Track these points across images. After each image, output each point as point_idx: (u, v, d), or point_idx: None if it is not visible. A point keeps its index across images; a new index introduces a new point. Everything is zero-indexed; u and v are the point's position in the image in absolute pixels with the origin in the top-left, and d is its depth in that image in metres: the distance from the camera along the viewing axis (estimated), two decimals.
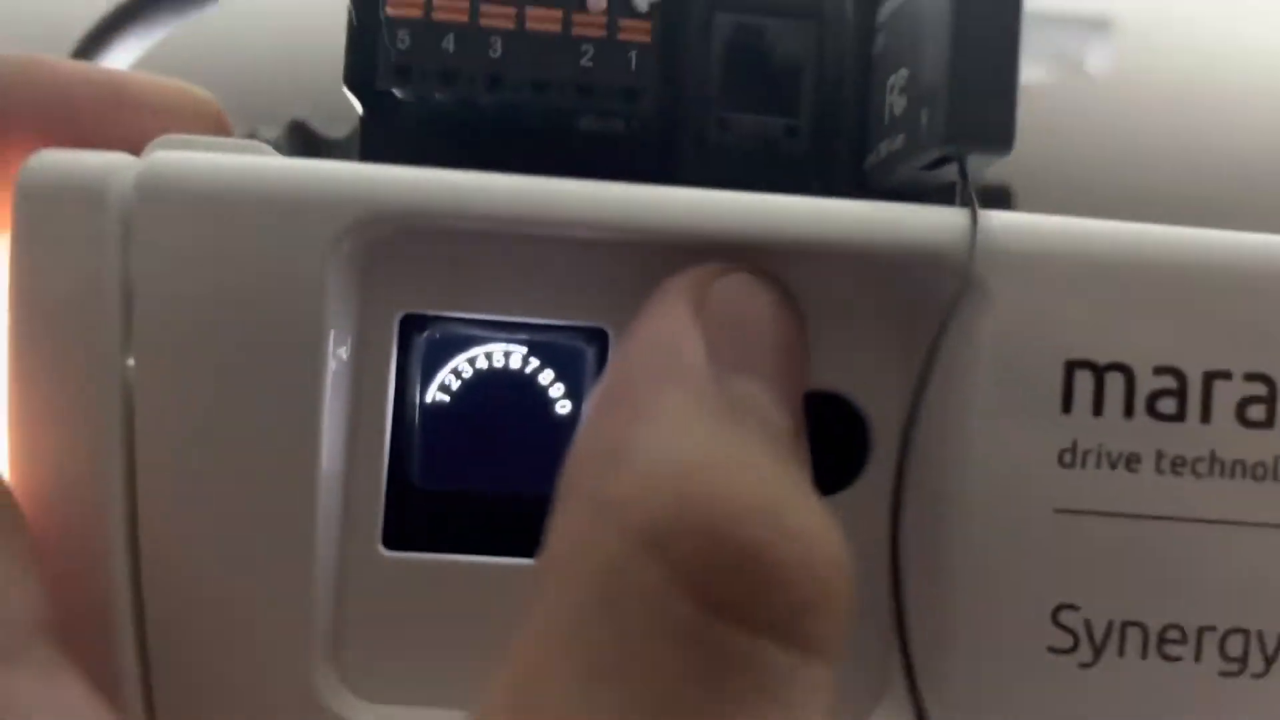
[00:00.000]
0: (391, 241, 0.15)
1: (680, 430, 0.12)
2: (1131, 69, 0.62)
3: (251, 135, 0.27)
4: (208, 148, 0.15)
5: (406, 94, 0.18)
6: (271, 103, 0.29)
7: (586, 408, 0.13)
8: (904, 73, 0.17)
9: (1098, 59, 0.62)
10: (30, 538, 0.13)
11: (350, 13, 0.18)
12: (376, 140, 0.19)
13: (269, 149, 0.15)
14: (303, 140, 0.28)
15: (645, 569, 0.11)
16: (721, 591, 0.11)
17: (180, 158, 0.14)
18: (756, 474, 0.12)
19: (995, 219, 0.15)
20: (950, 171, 0.16)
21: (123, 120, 0.16)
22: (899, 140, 0.17)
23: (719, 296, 0.14)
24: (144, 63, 0.25)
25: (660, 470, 0.12)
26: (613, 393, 0.13)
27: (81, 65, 0.17)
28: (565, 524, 0.12)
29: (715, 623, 0.11)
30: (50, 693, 0.11)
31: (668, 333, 0.14)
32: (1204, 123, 0.67)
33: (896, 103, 0.17)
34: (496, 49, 0.17)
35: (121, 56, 0.24)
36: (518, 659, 0.12)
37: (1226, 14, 0.60)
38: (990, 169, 0.16)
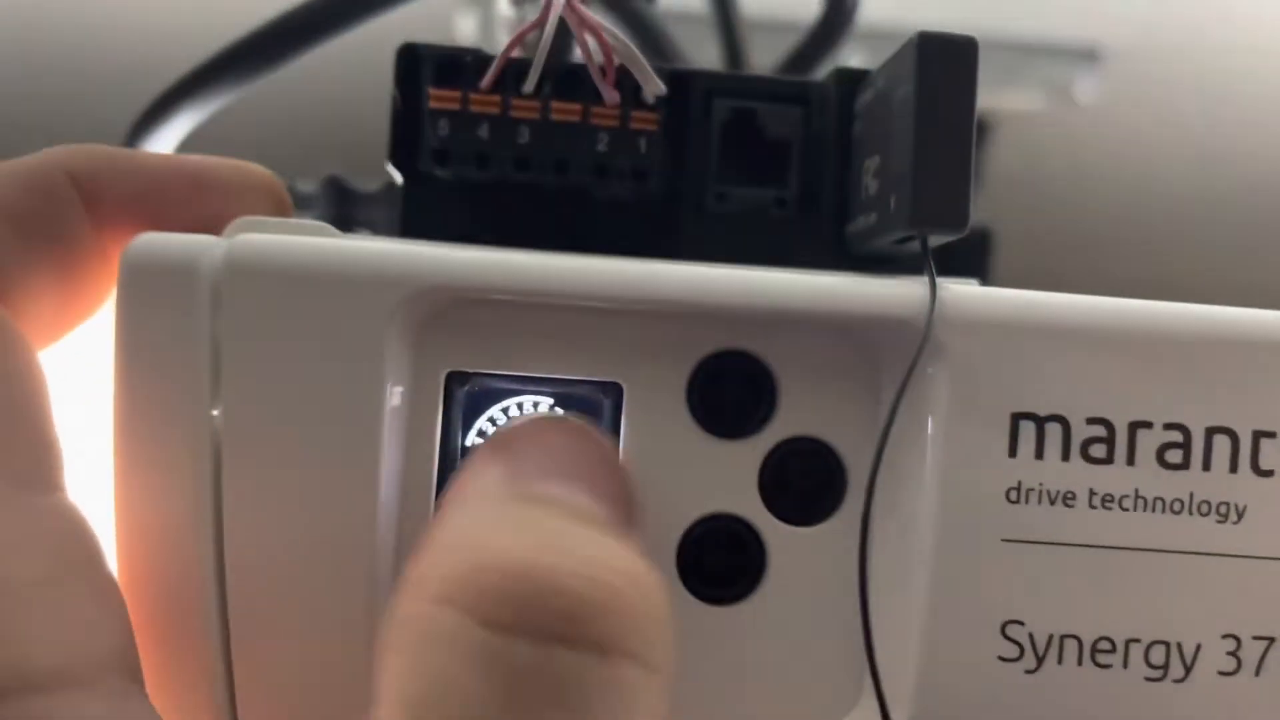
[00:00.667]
0: (439, 310, 0.17)
1: (475, 521, 0.14)
2: (1119, 98, 0.64)
3: (291, 189, 0.30)
4: (280, 229, 0.17)
5: (444, 173, 0.20)
6: (306, 158, 0.31)
7: None
8: (877, 158, 0.19)
9: (1085, 88, 0.64)
10: (108, 570, 0.15)
11: (394, 100, 0.21)
12: (417, 211, 0.21)
13: (332, 230, 0.18)
14: (338, 193, 0.30)
15: (445, 617, 0.12)
16: (505, 613, 0.12)
17: (261, 240, 0.17)
18: (543, 529, 0.13)
19: (951, 291, 0.17)
20: (916, 246, 0.18)
21: (201, 201, 0.19)
22: (873, 217, 0.19)
23: (514, 434, 0.16)
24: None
25: (451, 545, 0.13)
26: (429, 530, 0.14)
27: (165, 156, 0.20)
28: (390, 618, 0.13)
29: (503, 640, 0.12)
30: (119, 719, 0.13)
31: (471, 470, 0.15)
32: (1190, 151, 0.69)
33: (870, 184, 0.19)
34: (525, 136, 0.20)
35: (176, 131, 0.27)
36: None
37: (1213, 44, 0.62)
38: (977, 195, 0.18)
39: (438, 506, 0.16)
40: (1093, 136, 0.69)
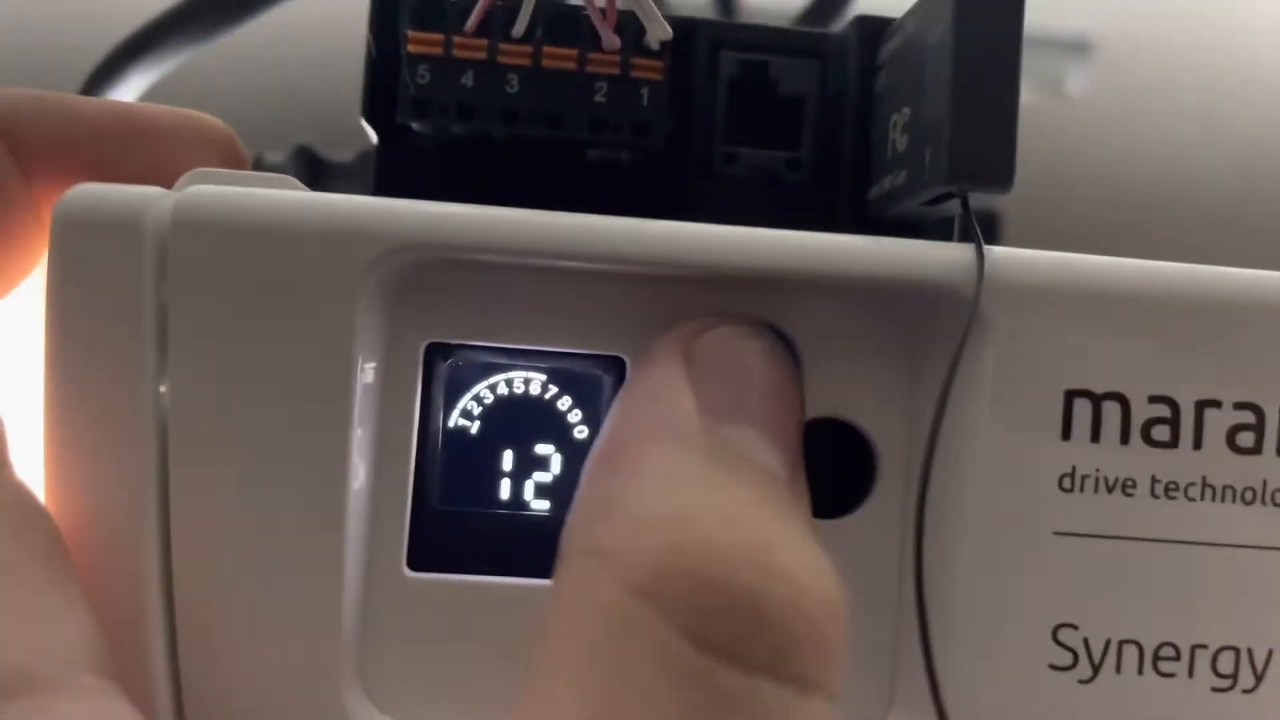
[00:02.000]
0: (417, 273, 0.15)
1: (670, 482, 0.13)
2: (1110, 91, 0.63)
3: (258, 159, 0.28)
4: (237, 182, 0.15)
5: (424, 127, 0.18)
6: (276, 128, 0.29)
7: (585, 465, 0.14)
8: (906, 111, 0.17)
9: (1077, 81, 0.63)
10: (73, 565, 0.13)
11: (369, 47, 0.19)
12: (392, 171, 0.19)
13: (297, 184, 0.16)
14: (308, 164, 0.28)
15: (642, 615, 0.12)
16: (715, 633, 0.11)
17: (214, 191, 0.15)
18: (744, 520, 0.12)
19: (998, 254, 0.15)
20: (949, 205, 0.16)
21: (145, 152, 0.17)
22: (901, 176, 0.17)
23: (707, 349, 0.15)
24: (151, 90, 0.26)
25: (651, 521, 0.12)
26: (607, 451, 0.14)
27: (103, 101, 0.18)
28: (566, 577, 0.13)
29: (711, 663, 0.11)
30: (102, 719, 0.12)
31: (657, 388, 0.14)
32: (1182, 144, 0.68)
33: (899, 140, 0.17)
34: (514, 85, 0.18)
35: (133, 86, 0.24)
36: (527, 702, 0.12)
37: (1203, 37, 0.61)
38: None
39: (619, 404, 0.14)
40: (1084, 130, 0.68)
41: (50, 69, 0.24)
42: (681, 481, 0.13)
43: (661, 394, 0.14)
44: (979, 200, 0.17)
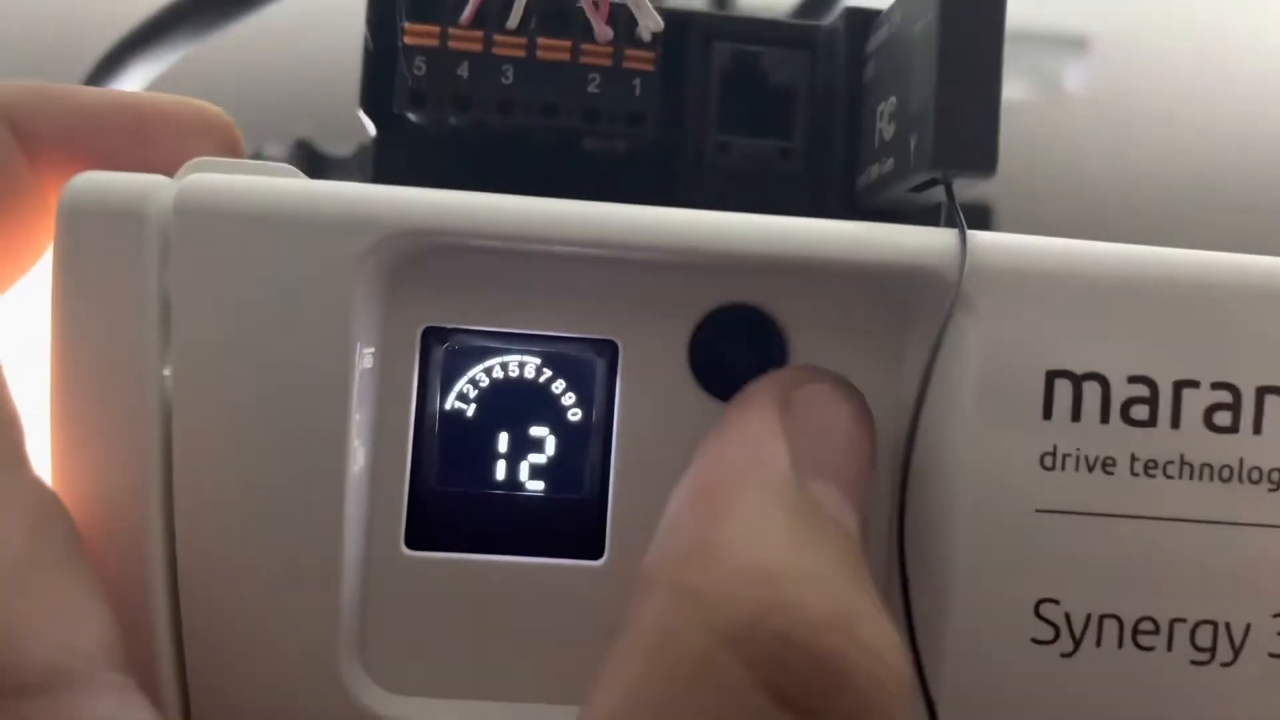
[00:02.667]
0: (414, 258, 0.16)
1: (764, 533, 0.13)
2: (1107, 87, 0.64)
3: (258, 153, 0.28)
4: (238, 170, 0.16)
5: (422, 118, 0.18)
6: (275, 122, 0.30)
7: (673, 499, 0.14)
8: (893, 100, 0.18)
9: (1074, 77, 0.63)
10: (89, 562, 0.13)
11: (366, 40, 0.19)
12: (390, 161, 0.20)
13: (296, 172, 0.16)
14: (307, 158, 0.28)
15: (727, 663, 0.12)
16: (796, 692, 0.12)
17: (215, 179, 0.15)
18: (833, 584, 0.13)
19: (981, 239, 0.16)
20: (936, 193, 0.17)
21: (146, 141, 0.17)
22: (889, 164, 0.18)
23: (803, 404, 0.15)
24: (154, 83, 0.26)
25: (746, 573, 0.12)
26: (701, 488, 0.14)
27: (106, 91, 0.18)
28: (651, 608, 0.13)
29: (787, 718, 0.12)
30: (126, 715, 0.12)
31: (754, 435, 0.14)
32: (1178, 139, 0.68)
33: (886, 128, 0.18)
34: (509, 76, 0.18)
35: (136, 78, 0.25)
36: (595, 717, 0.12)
37: (1200, 32, 0.61)
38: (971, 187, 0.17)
39: (714, 442, 0.15)
40: (1082, 126, 0.68)
41: (55, 62, 0.25)
42: (773, 533, 0.13)
43: (757, 441, 0.14)
44: (972, 193, 0.17)
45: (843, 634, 0.12)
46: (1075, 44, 0.63)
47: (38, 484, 0.13)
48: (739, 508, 0.13)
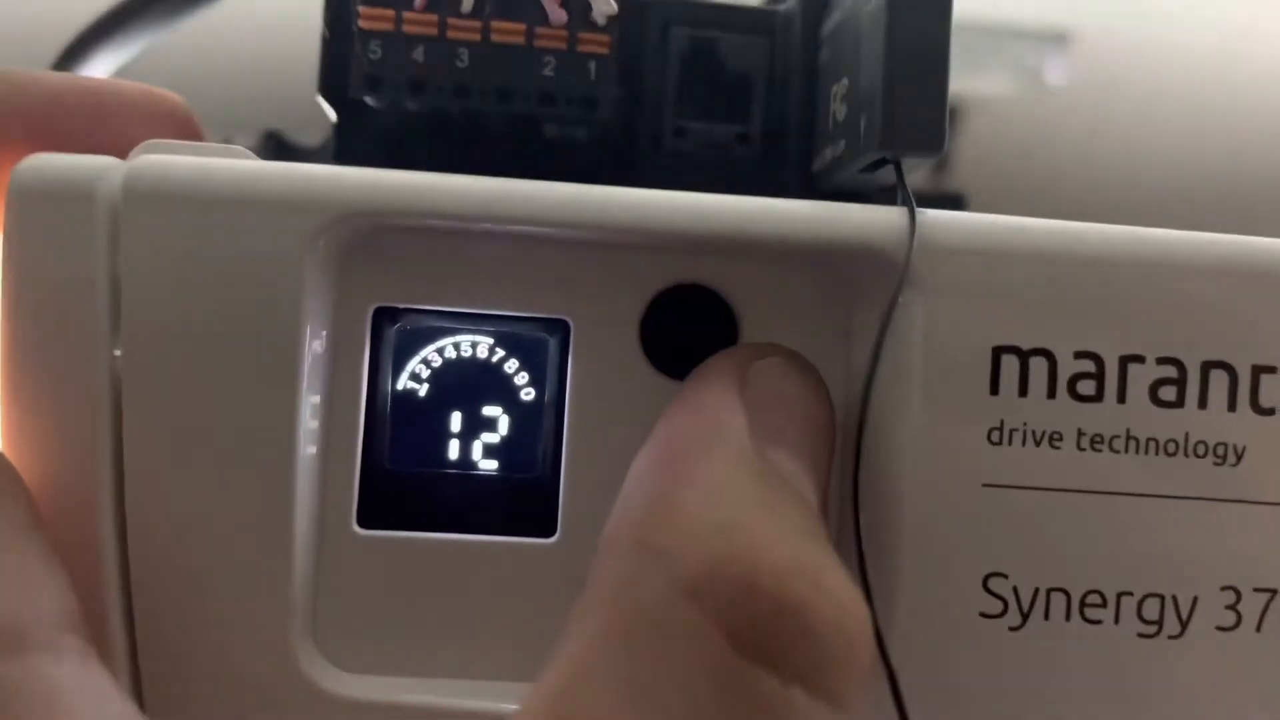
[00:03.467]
0: (365, 238, 0.16)
1: (723, 490, 0.13)
2: (1088, 80, 0.64)
3: (227, 143, 0.28)
4: (189, 152, 0.16)
5: (378, 102, 0.18)
6: (245, 113, 0.30)
7: (633, 468, 0.14)
8: (845, 82, 0.18)
9: (1055, 71, 0.64)
10: (41, 525, 0.14)
11: (324, 25, 0.19)
12: (349, 146, 0.20)
13: (248, 153, 0.16)
14: (276, 149, 0.28)
15: (689, 613, 0.12)
16: (759, 639, 0.12)
17: (164, 160, 0.15)
18: (792, 535, 0.13)
19: (930, 217, 0.16)
20: (888, 175, 0.17)
21: (103, 125, 0.17)
22: (841, 145, 0.18)
23: (760, 377, 0.15)
24: (119, 74, 0.26)
25: (707, 527, 0.13)
26: (661, 455, 0.14)
27: (64, 75, 0.18)
28: (614, 566, 0.13)
29: (751, 666, 0.12)
30: (86, 681, 0.12)
31: (713, 406, 0.14)
32: (1160, 132, 0.69)
33: (839, 110, 0.18)
34: (463, 60, 0.18)
35: (100, 68, 0.25)
36: (560, 676, 0.12)
37: (1180, 27, 0.61)
38: (949, 177, 0.17)
39: (674, 412, 0.15)
40: (1063, 119, 0.68)
41: (21, 50, 0.25)
42: (734, 492, 0.13)
43: (716, 409, 0.14)
44: (948, 183, 0.17)
45: (804, 582, 0.12)
46: (1056, 38, 0.64)
47: None
48: (700, 470, 0.13)
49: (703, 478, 0.13)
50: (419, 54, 0.18)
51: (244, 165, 0.15)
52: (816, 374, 0.16)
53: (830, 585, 0.12)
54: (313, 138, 0.29)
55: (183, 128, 0.17)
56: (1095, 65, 0.64)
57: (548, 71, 0.18)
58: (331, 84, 0.19)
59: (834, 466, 0.16)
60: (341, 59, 0.19)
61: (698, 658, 0.12)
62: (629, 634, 0.12)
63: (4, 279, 0.15)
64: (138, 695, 0.15)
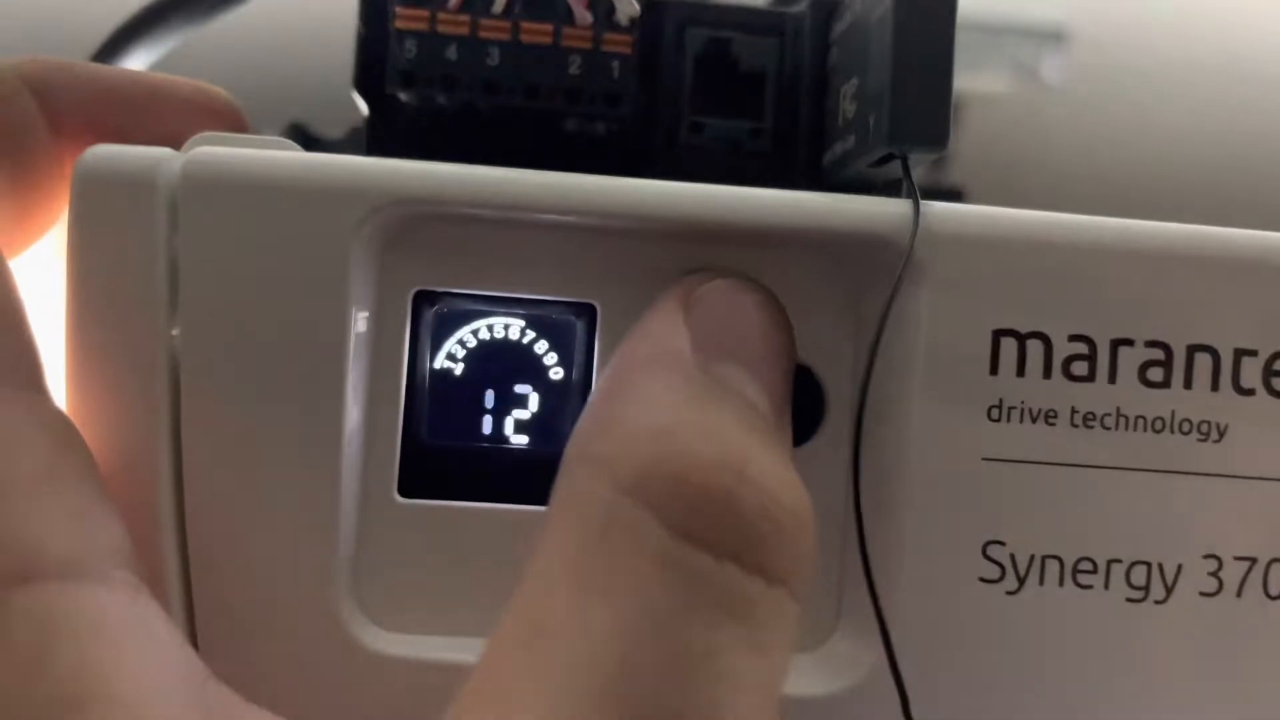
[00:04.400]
0: (406, 226, 0.17)
1: (659, 402, 0.14)
2: (1085, 79, 0.65)
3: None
4: (241, 144, 0.17)
5: (411, 98, 0.19)
6: (270, 108, 0.31)
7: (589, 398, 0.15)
8: (854, 82, 0.19)
9: (1053, 69, 0.64)
10: (99, 473, 0.14)
11: (359, 23, 0.20)
12: (381, 140, 0.21)
13: (295, 145, 0.17)
14: (301, 140, 0.29)
15: (629, 508, 0.13)
16: (691, 524, 0.13)
17: (220, 151, 0.16)
18: (725, 436, 0.14)
19: (933, 208, 0.17)
20: (895, 169, 0.18)
21: (158, 118, 0.18)
22: (850, 141, 0.19)
23: (704, 297, 0.16)
24: (151, 69, 0.27)
25: (644, 432, 0.14)
26: (607, 379, 0.15)
27: (121, 69, 0.19)
28: (563, 482, 0.14)
29: (686, 547, 0.13)
30: (136, 611, 0.13)
31: (657, 329, 0.15)
32: (1158, 131, 0.70)
33: (848, 108, 0.19)
34: (494, 58, 0.19)
35: (134, 64, 0.26)
36: (525, 583, 0.14)
37: (1178, 25, 0.62)
38: (949, 173, 0.18)
39: (622, 344, 0.16)
40: (1061, 117, 0.69)
41: (55, 49, 0.26)
42: (670, 402, 0.14)
43: (659, 334, 0.15)
44: (947, 179, 0.18)
45: (729, 472, 0.13)
46: (1053, 36, 0.64)
47: (57, 410, 0.14)
48: (641, 386, 0.14)
49: (643, 393, 0.14)
50: (452, 52, 0.19)
51: (295, 156, 0.16)
52: (767, 291, 0.17)
53: (756, 474, 0.13)
54: (335, 130, 0.30)
55: (232, 122, 0.19)
56: (1093, 64, 0.65)
57: (574, 70, 0.19)
58: (366, 79, 0.20)
59: (842, 442, 0.17)
60: (376, 56, 0.20)
61: (639, 545, 0.13)
62: (579, 537, 0.13)
63: (69, 263, 0.16)
64: (192, 644, 0.16)
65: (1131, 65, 0.66)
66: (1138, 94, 0.67)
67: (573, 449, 0.14)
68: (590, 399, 0.15)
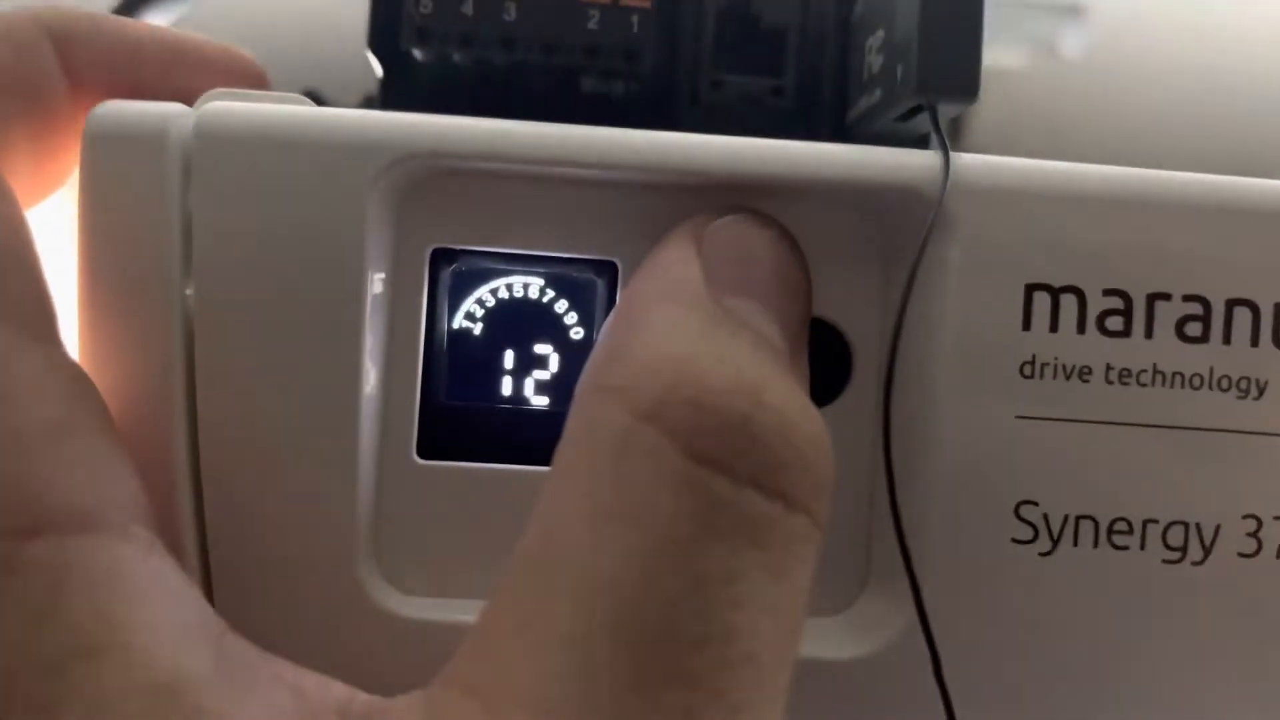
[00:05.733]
0: (423, 182, 0.16)
1: (674, 331, 0.14)
2: (1104, 52, 0.64)
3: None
4: (255, 99, 0.16)
5: (426, 55, 0.19)
6: (281, 74, 0.30)
7: (601, 330, 0.15)
8: (880, 33, 0.18)
9: (1071, 43, 0.64)
10: (114, 426, 0.14)
11: None
12: (396, 99, 0.20)
13: (309, 101, 0.17)
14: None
15: (645, 434, 0.13)
16: (708, 448, 0.13)
17: (233, 106, 0.16)
18: (738, 362, 0.14)
19: (963, 160, 0.16)
20: (921, 124, 0.17)
21: (180, 75, 0.18)
22: (877, 94, 0.18)
23: (717, 232, 0.16)
24: None
25: (659, 361, 0.14)
26: (619, 313, 0.15)
27: (147, 25, 0.19)
28: (579, 412, 0.14)
29: (704, 472, 0.13)
30: (152, 564, 0.13)
31: (668, 262, 0.15)
32: (1176, 105, 0.69)
33: (874, 61, 0.19)
34: (511, 13, 0.19)
35: (154, 20, 0.25)
36: (543, 510, 0.13)
37: None
38: (965, 148, 0.17)
39: (634, 278, 0.15)
40: (1078, 91, 0.68)
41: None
42: (685, 333, 0.14)
43: (672, 267, 0.15)
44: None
45: (745, 397, 0.13)
46: (1071, 10, 0.64)
47: (74, 364, 0.14)
48: (655, 318, 0.14)
49: (657, 325, 0.14)
50: (468, 8, 0.19)
51: (310, 111, 0.16)
52: (781, 228, 0.16)
53: (772, 399, 0.13)
54: (347, 97, 0.29)
55: (254, 83, 0.18)
56: (1110, 37, 0.64)
57: (592, 25, 0.19)
58: (379, 38, 0.20)
59: (871, 400, 0.17)
60: (391, 14, 0.19)
61: (657, 469, 0.13)
62: (595, 464, 0.13)
63: (80, 219, 0.16)
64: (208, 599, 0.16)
65: (1151, 39, 0.65)
66: (1155, 67, 0.66)
67: (586, 381, 0.14)
68: (602, 333, 0.15)
